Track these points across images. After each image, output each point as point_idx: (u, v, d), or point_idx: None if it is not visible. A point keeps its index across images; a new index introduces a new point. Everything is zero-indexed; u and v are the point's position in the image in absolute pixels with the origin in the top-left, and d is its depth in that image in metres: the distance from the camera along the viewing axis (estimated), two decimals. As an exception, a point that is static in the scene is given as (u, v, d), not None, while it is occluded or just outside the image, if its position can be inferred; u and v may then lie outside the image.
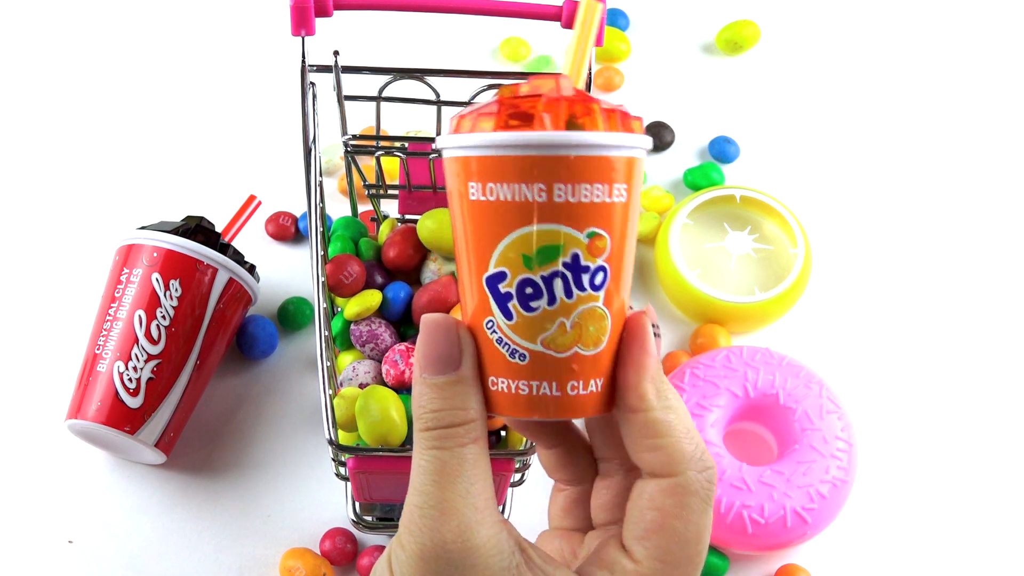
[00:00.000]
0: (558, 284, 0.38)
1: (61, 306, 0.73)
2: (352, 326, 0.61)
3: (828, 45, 0.85)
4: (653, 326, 0.40)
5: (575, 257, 0.38)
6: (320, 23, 0.56)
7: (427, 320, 0.40)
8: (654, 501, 0.39)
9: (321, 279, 0.58)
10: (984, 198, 0.79)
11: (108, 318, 0.65)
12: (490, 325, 0.39)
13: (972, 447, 0.70)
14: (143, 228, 0.67)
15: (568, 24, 0.56)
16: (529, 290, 0.38)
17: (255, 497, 0.67)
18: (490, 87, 0.60)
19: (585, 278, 0.38)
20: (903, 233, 0.78)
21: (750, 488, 0.63)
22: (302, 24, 0.55)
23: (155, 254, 0.65)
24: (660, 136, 0.79)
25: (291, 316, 0.72)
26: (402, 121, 0.77)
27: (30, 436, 0.68)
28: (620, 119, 0.39)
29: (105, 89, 0.82)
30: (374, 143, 0.63)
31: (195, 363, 0.65)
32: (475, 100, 0.61)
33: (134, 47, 0.84)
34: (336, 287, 0.60)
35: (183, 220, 0.68)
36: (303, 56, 0.57)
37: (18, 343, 0.72)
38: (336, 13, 0.55)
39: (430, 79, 0.60)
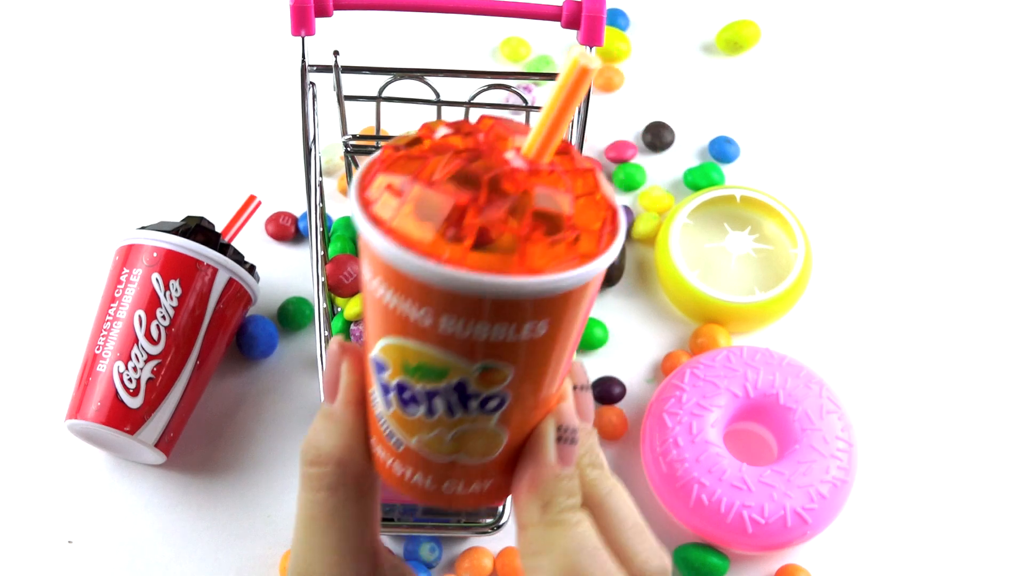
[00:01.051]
0: (439, 401, 0.34)
1: (61, 306, 0.73)
2: (352, 326, 0.61)
3: (828, 45, 0.85)
4: (563, 429, 0.35)
5: (461, 384, 0.33)
6: (320, 23, 0.56)
7: (328, 350, 0.37)
8: None
9: (321, 279, 0.58)
10: (985, 198, 0.79)
11: (108, 318, 0.65)
12: (374, 398, 0.36)
13: (972, 447, 0.70)
14: (143, 228, 0.67)
15: (568, 24, 0.56)
16: (407, 395, 0.34)
17: (255, 497, 0.67)
18: (490, 87, 0.60)
19: (473, 403, 0.34)
20: (904, 233, 0.78)
21: (750, 488, 0.63)
22: (302, 24, 0.55)
23: (155, 254, 0.65)
24: (660, 136, 0.79)
25: (291, 316, 0.72)
26: (402, 121, 0.77)
27: (30, 436, 0.68)
28: (566, 241, 0.31)
29: (105, 89, 0.82)
30: (374, 143, 0.63)
31: (195, 363, 0.65)
32: (475, 99, 0.61)
33: (134, 47, 0.84)
34: (336, 287, 0.60)
35: (183, 220, 0.68)
36: (303, 56, 0.57)
37: (18, 343, 0.72)
38: (336, 13, 0.55)
39: (430, 79, 0.60)
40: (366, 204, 0.32)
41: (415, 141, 0.33)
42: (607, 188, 0.34)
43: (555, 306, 0.32)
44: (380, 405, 0.35)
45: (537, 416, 0.35)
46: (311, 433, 0.37)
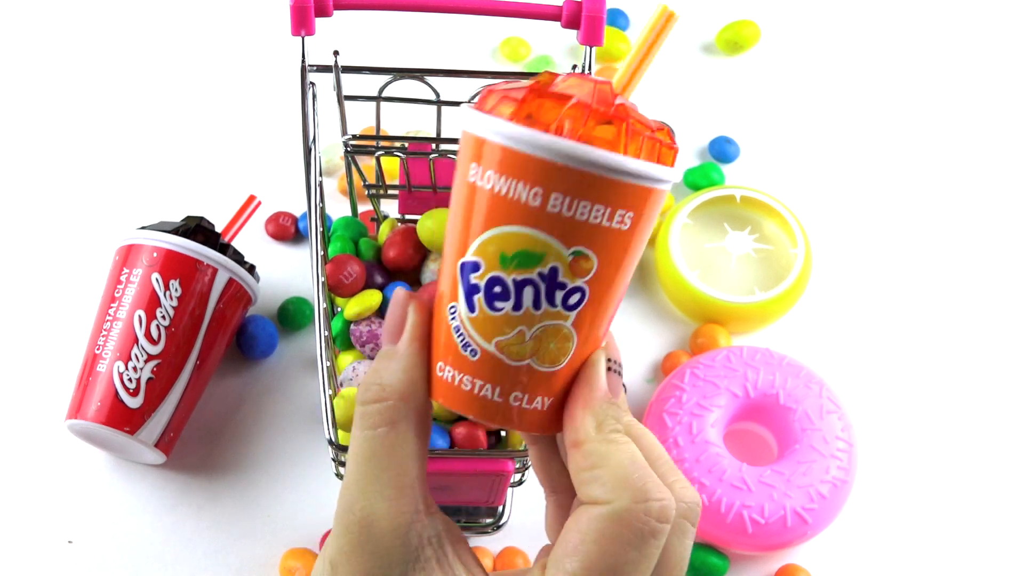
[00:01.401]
0: (528, 292, 0.37)
1: (61, 306, 0.73)
2: (352, 326, 0.61)
3: (828, 45, 0.85)
4: (612, 361, 0.39)
5: (553, 271, 0.36)
6: (320, 23, 0.56)
7: (394, 296, 0.40)
8: (579, 524, 0.37)
9: (321, 279, 0.58)
10: (985, 198, 0.79)
11: (108, 318, 0.65)
12: (452, 311, 0.38)
13: (972, 447, 0.70)
14: (143, 228, 0.67)
15: (568, 24, 0.56)
16: (498, 289, 0.37)
17: (255, 497, 0.67)
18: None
19: (559, 295, 0.37)
20: (903, 233, 0.78)
21: (750, 488, 0.63)
22: (302, 24, 0.55)
23: (155, 254, 0.65)
24: (660, 136, 0.79)
25: (291, 316, 0.72)
26: (402, 121, 0.77)
27: (30, 436, 0.68)
28: (650, 145, 0.36)
29: (105, 89, 0.82)
30: (374, 143, 0.63)
31: (195, 363, 0.65)
32: (475, 100, 0.61)
33: (134, 47, 0.84)
34: (336, 287, 0.60)
35: (183, 220, 0.68)
36: (303, 56, 0.57)
37: (18, 343, 0.72)
38: (336, 13, 0.55)
39: (430, 79, 0.60)
40: (480, 109, 0.37)
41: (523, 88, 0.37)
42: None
43: (642, 199, 0.36)
44: (461, 313, 0.38)
45: (593, 343, 0.39)
46: (372, 373, 0.39)
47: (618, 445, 0.38)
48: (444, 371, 0.39)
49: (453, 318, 0.38)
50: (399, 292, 0.40)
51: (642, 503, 0.37)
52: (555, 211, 0.36)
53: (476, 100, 0.38)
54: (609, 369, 0.39)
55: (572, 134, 0.35)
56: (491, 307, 0.37)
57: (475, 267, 0.37)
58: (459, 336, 0.38)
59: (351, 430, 0.39)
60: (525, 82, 0.37)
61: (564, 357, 0.38)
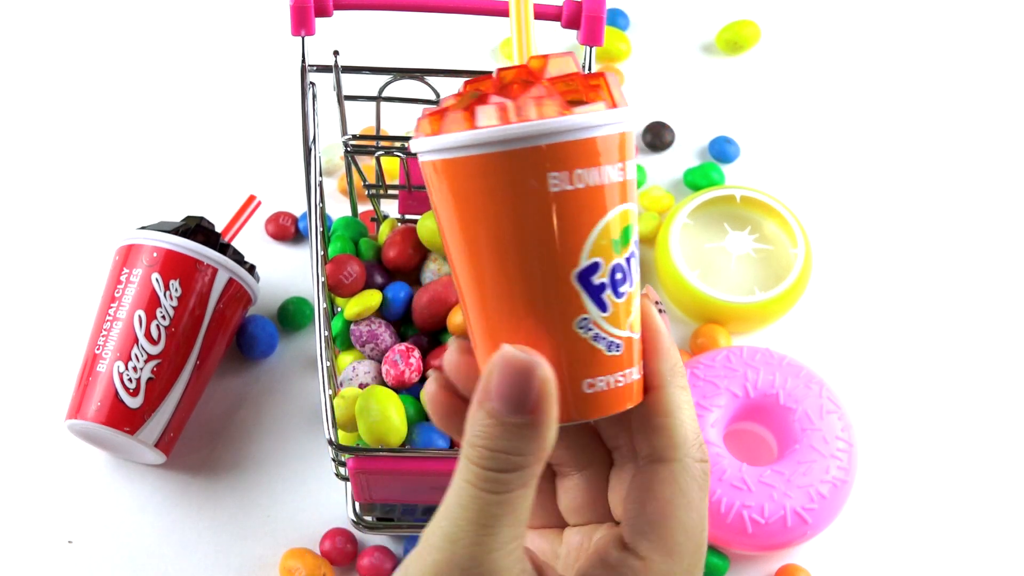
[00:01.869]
0: (634, 263, 0.37)
1: (61, 306, 0.73)
2: (352, 326, 0.61)
3: (828, 45, 0.85)
4: (657, 303, 0.40)
5: (635, 233, 0.37)
6: (320, 23, 0.56)
7: (508, 358, 0.36)
8: (653, 491, 0.38)
9: (321, 279, 0.58)
10: (985, 198, 0.79)
11: (108, 318, 0.65)
12: (583, 324, 0.36)
13: (972, 447, 0.70)
14: (143, 228, 0.67)
15: (568, 24, 0.56)
16: (619, 275, 0.36)
17: (255, 497, 0.67)
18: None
19: (635, 256, 0.38)
20: (903, 233, 0.78)
21: (750, 488, 0.63)
22: (302, 24, 0.55)
23: (155, 254, 0.65)
24: (660, 136, 0.79)
25: (291, 316, 0.72)
26: (402, 121, 0.77)
27: (30, 436, 0.68)
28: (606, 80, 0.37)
29: (105, 89, 0.82)
30: (374, 143, 0.63)
31: (195, 363, 0.65)
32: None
33: (134, 47, 0.84)
34: (336, 287, 0.60)
35: (183, 220, 0.68)
36: (303, 56, 0.57)
37: (18, 343, 0.72)
38: (336, 13, 0.55)
39: (430, 79, 0.60)
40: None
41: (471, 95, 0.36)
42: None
43: (630, 145, 0.37)
44: (595, 319, 0.36)
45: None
46: (504, 440, 0.36)
47: (687, 396, 0.39)
48: (596, 385, 0.37)
49: (587, 330, 0.36)
50: (530, 362, 0.35)
51: (701, 462, 0.39)
52: (630, 177, 0.36)
53: (483, 119, 0.35)
54: (660, 311, 0.40)
55: (623, 100, 0.36)
56: (618, 295, 0.36)
57: (594, 269, 0.36)
58: (600, 341, 0.36)
59: (458, 480, 0.37)
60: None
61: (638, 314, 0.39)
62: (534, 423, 0.36)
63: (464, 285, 0.37)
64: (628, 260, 0.37)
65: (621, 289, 0.36)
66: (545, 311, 0.36)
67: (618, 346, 0.37)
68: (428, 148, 0.35)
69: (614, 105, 0.35)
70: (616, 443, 0.42)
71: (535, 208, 0.35)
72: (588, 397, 0.37)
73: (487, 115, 0.35)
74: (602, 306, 0.36)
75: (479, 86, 0.37)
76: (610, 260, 0.36)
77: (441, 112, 0.36)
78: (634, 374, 0.38)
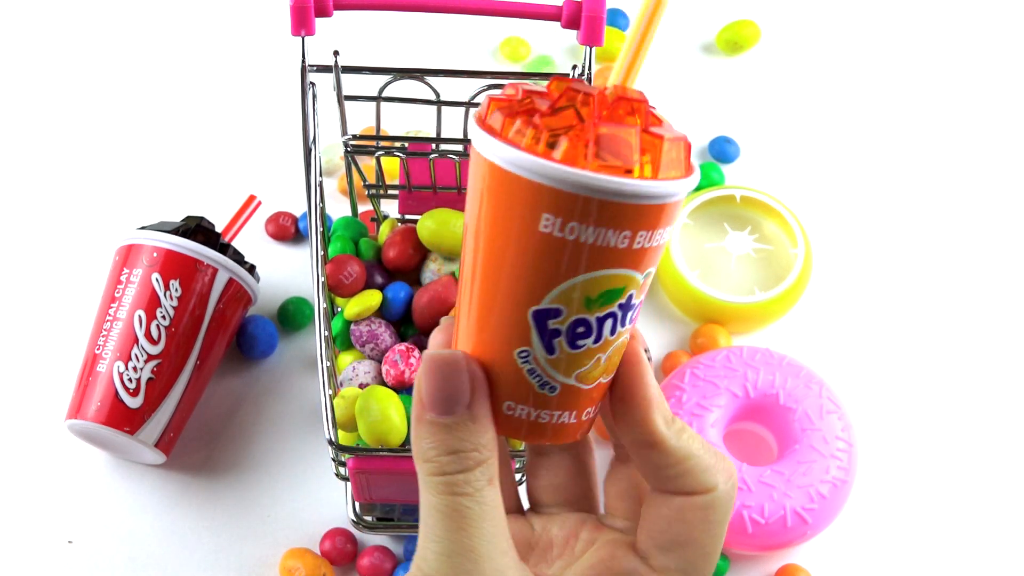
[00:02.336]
0: (608, 324, 0.37)
1: (61, 306, 0.73)
2: (352, 326, 0.61)
3: (828, 45, 0.85)
4: (646, 351, 0.39)
5: (630, 298, 0.36)
6: (320, 23, 0.56)
7: (431, 358, 0.37)
8: (682, 515, 0.39)
9: (321, 279, 0.58)
10: (985, 197, 0.79)
11: (108, 318, 0.65)
12: (524, 355, 0.37)
13: (972, 447, 0.70)
14: (143, 228, 0.67)
15: (568, 24, 0.56)
16: (581, 329, 0.36)
17: (255, 497, 0.67)
18: (490, 87, 0.60)
19: (629, 315, 0.37)
20: (903, 233, 0.78)
21: (750, 488, 0.63)
22: (302, 24, 0.55)
23: (155, 254, 0.65)
24: (660, 136, 0.79)
25: (291, 316, 0.72)
26: (402, 121, 0.77)
27: (30, 436, 0.68)
28: (685, 149, 0.36)
29: (105, 89, 0.82)
30: (374, 143, 0.63)
31: (195, 363, 0.65)
32: (475, 99, 0.61)
33: (134, 47, 0.84)
34: (336, 287, 0.60)
35: (183, 220, 0.68)
36: (303, 56, 0.57)
37: (18, 343, 0.72)
38: (336, 13, 0.55)
39: (430, 79, 0.60)
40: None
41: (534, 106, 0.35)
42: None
43: (675, 212, 0.36)
44: (537, 357, 0.37)
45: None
46: (454, 441, 0.37)
47: (688, 431, 0.39)
48: (515, 410, 0.38)
49: (525, 361, 0.37)
50: (452, 357, 0.37)
51: (729, 480, 0.39)
52: (639, 247, 0.35)
53: (508, 131, 0.35)
54: (648, 359, 0.40)
55: (642, 174, 0.34)
56: (573, 347, 0.36)
57: (555, 314, 0.36)
58: (535, 377, 0.37)
59: (425, 498, 0.37)
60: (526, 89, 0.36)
61: (619, 360, 0.38)
62: (474, 415, 0.37)
63: (461, 280, 0.38)
64: (600, 319, 0.36)
65: (579, 342, 0.36)
66: (499, 333, 0.37)
67: (553, 388, 0.37)
68: (502, 156, 0.35)
69: (654, 176, 0.35)
70: (616, 442, 0.42)
71: (518, 240, 0.35)
72: (507, 418, 0.38)
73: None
74: (549, 349, 0.36)
75: (575, 101, 0.36)
76: (574, 313, 0.36)
77: (527, 117, 0.35)
78: (567, 418, 0.38)
